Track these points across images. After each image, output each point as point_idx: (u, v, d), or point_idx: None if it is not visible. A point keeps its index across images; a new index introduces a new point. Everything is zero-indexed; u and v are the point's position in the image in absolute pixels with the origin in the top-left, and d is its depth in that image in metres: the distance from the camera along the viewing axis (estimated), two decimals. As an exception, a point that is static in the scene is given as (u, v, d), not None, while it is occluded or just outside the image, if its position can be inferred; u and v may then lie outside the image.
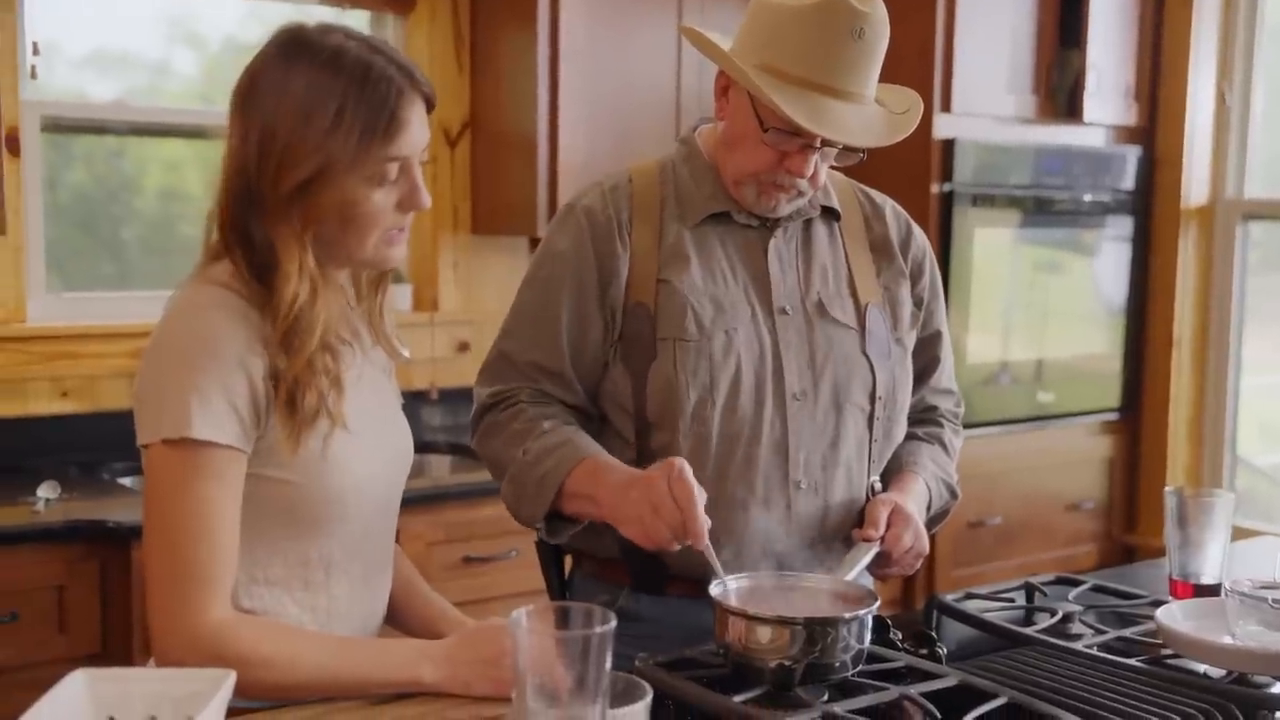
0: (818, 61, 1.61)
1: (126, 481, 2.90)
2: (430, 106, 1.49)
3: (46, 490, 2.66)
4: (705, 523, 1.51)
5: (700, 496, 1.51)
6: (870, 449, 1.76)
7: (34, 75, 2.96)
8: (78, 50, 3.16)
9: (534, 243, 3.57)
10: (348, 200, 1.43)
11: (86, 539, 2.49)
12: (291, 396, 1.42)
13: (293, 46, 1.44)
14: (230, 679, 1.20)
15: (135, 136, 3.28)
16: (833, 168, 1.77)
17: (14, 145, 2.90)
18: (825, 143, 1.65)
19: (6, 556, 2.43)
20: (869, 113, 1.66)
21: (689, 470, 1.53)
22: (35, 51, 2.96)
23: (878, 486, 1.78)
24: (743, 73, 1.63)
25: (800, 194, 1.73)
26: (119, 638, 2.52)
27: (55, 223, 3.13)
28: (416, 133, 1.46)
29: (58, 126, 3.10)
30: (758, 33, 1.66)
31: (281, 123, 1.41)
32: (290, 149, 1.41)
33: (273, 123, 1.41)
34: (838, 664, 1.37)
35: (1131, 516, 4.27)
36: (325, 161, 1.41)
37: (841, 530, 1.74)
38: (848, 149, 1.68)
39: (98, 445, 2.98)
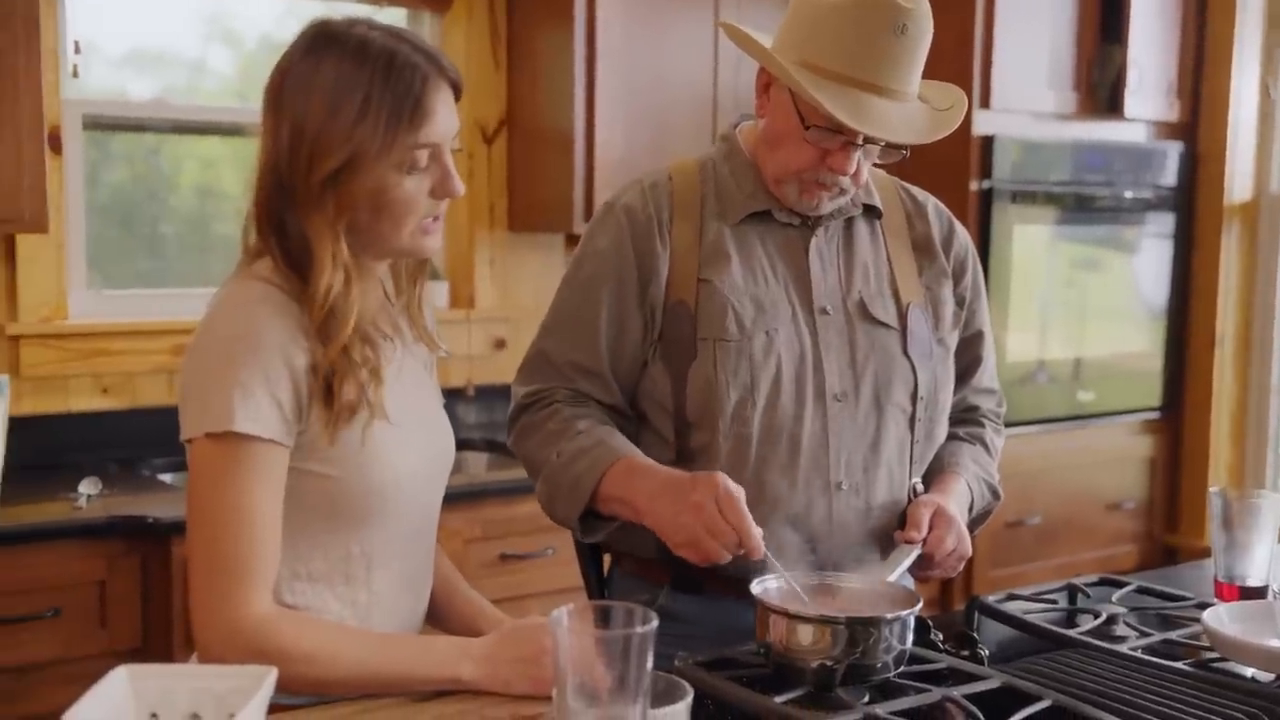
0: (860, 58, 1.59)
1: (166, 478, 2.92)
2: (458, 93, 1.49)
3: (87, 486, 2.68)
4: (759, 534, 1.52)
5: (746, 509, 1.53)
6: (912, 450, 1.74)
7: (75, 74, 2.99)
8: (117, 49, 3.18)
9: (570, 239, 3.57)
10: (378, 188, 1.43)
11: (127, 535, 2.51)
12: (330, 387, 1.42)
13: (319, 40, 1.45)
14: (271, 676, 1.20)
15: (173, 134, 3.31)
16: (875, 165, 1.75)
17: (56, 143, 2.93)
18: (868, 140, 1.63)
19: (48, 552, 2.46)
20: (912, 109, 1.64)
21: (733, 485, 1.53)
22: (76, 50, 2.98)
23: (919, 488, 1.77)
24: (784, 69, 1.61)
25: (843, 192, 1.71)
26: (159, 633, 2.54)
27: (95, 220, 3.15)
28: (444, 119, 1.46)
29: (98, 124, 3.13)
30: (799, 28, 1.64)
31: (311, 115, 1.42)
32: (319, 140, 1.41)
33: (302, 116, 1.42)
34: (879, 665, 1.36)
35: (1173, 517, 4.22)
36: (354, 151, 1.41)
37: (883, 532, 1.72)
38: (891, 146, 1.66)
39: (137, 441, 3.00)
